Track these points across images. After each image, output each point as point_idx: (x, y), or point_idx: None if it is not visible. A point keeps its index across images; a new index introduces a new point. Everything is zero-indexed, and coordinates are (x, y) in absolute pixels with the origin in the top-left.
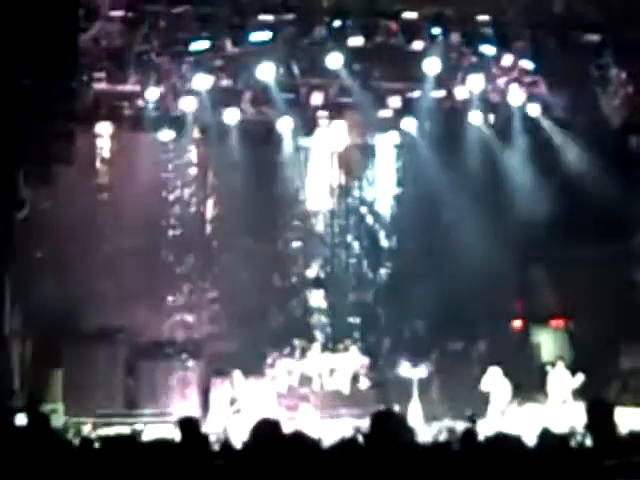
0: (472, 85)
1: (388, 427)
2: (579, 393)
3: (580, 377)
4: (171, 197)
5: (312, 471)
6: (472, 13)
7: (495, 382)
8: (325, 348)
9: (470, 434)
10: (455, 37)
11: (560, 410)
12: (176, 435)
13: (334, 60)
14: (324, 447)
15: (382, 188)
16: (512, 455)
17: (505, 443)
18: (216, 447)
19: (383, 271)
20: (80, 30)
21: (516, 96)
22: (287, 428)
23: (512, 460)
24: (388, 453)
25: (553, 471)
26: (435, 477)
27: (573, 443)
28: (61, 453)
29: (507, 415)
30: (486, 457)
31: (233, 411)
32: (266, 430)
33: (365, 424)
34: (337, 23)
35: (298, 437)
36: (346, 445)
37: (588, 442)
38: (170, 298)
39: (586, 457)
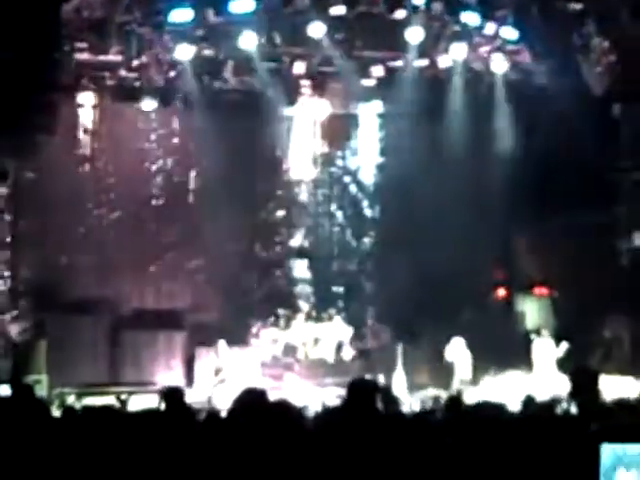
0: (455, 54)
1: (364, 396)
2: (563, 361)
3: (564, 346)
4: (154, 167)
5: (297, 440)
6: None
7: (458, 352)
8: (309, 317)
9: (454, 402)
10: (437, 6)
11: (545, 378)
12: (160, 405)
13: (316, 29)
14: (309, 415)
15: (365, 157)
16: (496, 422)
17: (489, 410)
18: (201, 417)
19: (367, 240)
20: (62, 0)
21: (499, 64)
22: (272, 397)
23: (496, 427)
24: (366, 422)
25: (538, 437)
26: (418, 446)
27: (558, 410)
28: (45, 423)
29: (472, 385)
30: (470, 425)
31: (218, 381)
32: (252, 399)
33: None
34: None
35: (283, 406)
36: (330, 414)
37: (573, 409)
38: (153, 268)
39: (571, 423)
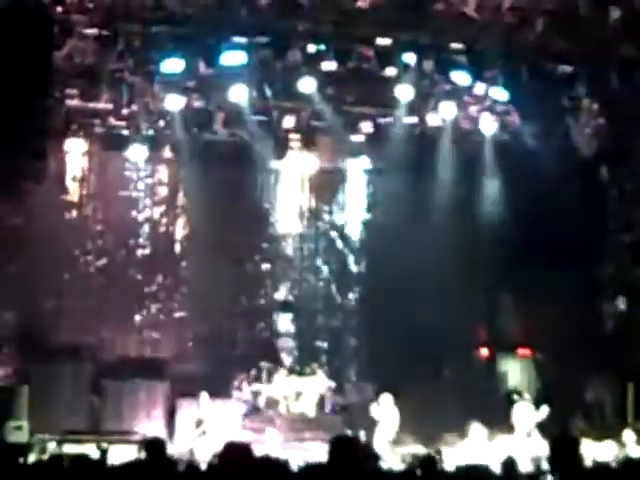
0: (444, 112)
1: (346, 453)
2: (544, 425)
3: (545, 410)
4: (141, 217)
5: None
6: (446, 41)
7: (385, 409)
8: (292, 371)
9: (429, 461)
10: (428, 64)
11: (525, 441)
12: (142, 456)
13: (307, 84)
14: (292, 470)
15: (352, 213)
16: None
17: (472, 473)
18: (182, 468)
19: (351, 296)
20: (54, 47)
21: (488, 124)
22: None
23: None
24: (347, 478)
25: None
26: None
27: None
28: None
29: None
30: None
31: (199, 433)
32: (236, 453)
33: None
34: (311, 47)
35: (268, 461)
36: (312, 470)
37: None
38: (137, 317)
39: None
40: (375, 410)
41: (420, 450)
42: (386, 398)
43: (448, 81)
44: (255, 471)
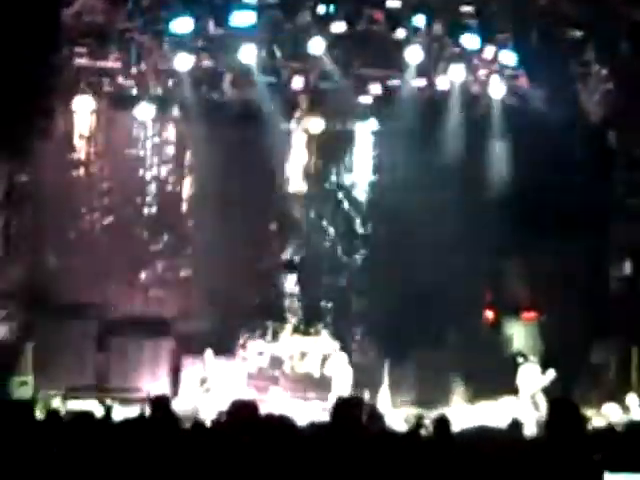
0: (453, 75)
1: (349, 413)
2: (549, 388)
3: (551, 373)
4: (148, 175)
5: (285, 454)
6: (456, 3)
7: (339, 367)
8: (296, 331)
9: (442, 422)
10: (438, 27)
11: (529, 403)
12: (146, 412)
13: (316, 45)
14: (296, 430)
15: (359, 175)
16: (491, 448)
17: (480, 434)
18: (187, 425)
19: (357, 257)
20: (63, 5)
21: (497, 88)
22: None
23: (490, 452)
24: (351, 439)
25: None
26: (405, 465)
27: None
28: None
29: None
30: (461, 447)
31: (203, 390)
32: (244, 411)
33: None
34: (321, 8)
35: (275, 419)
36: (316, 429)
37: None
38: (143, 275)
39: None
40: (329, 367)
41: (424, 412)
42: (340, 356)
43: (457, 44)
44: (262, 428)
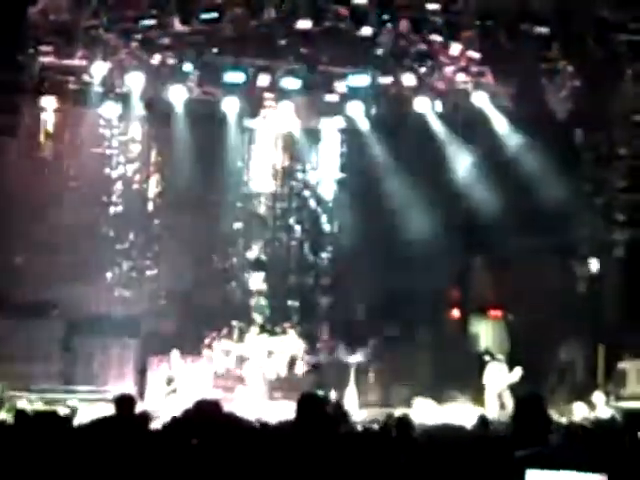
0: (419, 72)
1: (313, 411)
2: (516, 386)
3: (518, 371)
4: (114, 174)
5: (249, 451)
6: (421, 1)
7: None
8: (263, 330)
9: (403, 422)
10: (404, 24)
11: (495, 402)
12: (111, 412)
13: (282, 43)
14: (261, 429)
15: (325, 172)
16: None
17: (445, 432)
18: (152, 425)
19: (324, 255)
20: (28, 2)
21: (462, 85)
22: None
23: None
24: (314, 436)
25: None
26: (361, 462)
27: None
28: None
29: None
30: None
31: (169, 391)
32: (206, 410)
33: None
34: (286, 6)
35: (236, 419)
36: (280, 428)
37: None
38: (109, 274)
39: (500, 447)
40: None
41: (390, 411)
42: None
43: (423, 41)
44: (224, 428)
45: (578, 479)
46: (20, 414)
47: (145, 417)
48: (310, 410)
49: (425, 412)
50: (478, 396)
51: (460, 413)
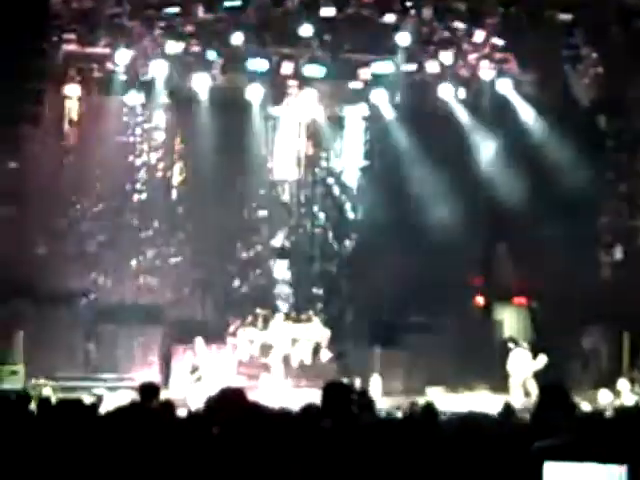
0: (443, 59)
1: (339, 399)
2: (540, 374)
3: (542, 359)
4: (138, 162)
5: (274, 439)
6: None
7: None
8: (287, 318)
9: (429, 409)
10: (427, 11)
11: (519, 388)
12: (137, 400)
13: (306, 30)
14: (287, 416)
15: (350, 160)
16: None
17: (471, 419)
18: (177, 413)
19: (348, 243)
20: None
21: (486, 72)
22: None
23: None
24: (340, 423)
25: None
26: (393, 452)
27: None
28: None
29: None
30: (445, 433)
31: (194, 379)
32: (230, 398)
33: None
34: None
35: (261, 407)
36: (308, 414)
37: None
38: (133, 262)
39: (525, 434)
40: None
41: (414, 399)
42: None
43: (447, 28)
44: (248, 416)
45: (596, 471)
46: (43, 402)
47: (169, 405)
48: (336, 398)
49: (447, 400)
50: (502, 383)
51: (484, 400)
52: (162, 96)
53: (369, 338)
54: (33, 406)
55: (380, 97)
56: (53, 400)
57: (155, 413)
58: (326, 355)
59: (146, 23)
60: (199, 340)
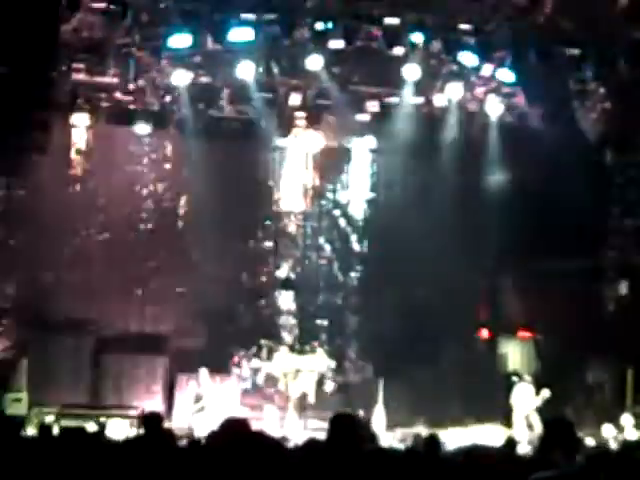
0: (451, 93)
1: (346, 431)
2: (543, 408)
3: (546, 393)
4: (145, 191)
5: (279, 472)
6: (454, 21)
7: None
8: (292, 349)
9: (432, 441)
10: (436, 44)
11: (522, 423)
12: (139, 430)
13: (314, 62)
14: (289, 448)
15: (356, 192)
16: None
17: (474, 453)
18: (180, 443)
19: (353, 275)
20: (61, 20)
21: (494, 106)
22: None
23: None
24: (346, 456)
25: None
26: None
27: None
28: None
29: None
30: (448, 465)
31: (197, 409)
32: (234, 428)
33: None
34: (319, 25)
35: (265, 437)
36: (311, 447)
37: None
38: (139, 292)
39: (528, 468)
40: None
41: (419, 431)
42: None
43: (455, 62)
44: (252, 447)
45: None
46: (44, 429)
47: (171, 435)
48: (343, 430)
49: (451, 433)
50: (506, 417)
51: (488, 433)
52: (170, 126)
53: (373, 370)
54: (33, 431)
55: (387, 130)
56: (55, 427)
57: (158, 442)
58: (330, 386)
59: (155, 53)
60: (203, 370)
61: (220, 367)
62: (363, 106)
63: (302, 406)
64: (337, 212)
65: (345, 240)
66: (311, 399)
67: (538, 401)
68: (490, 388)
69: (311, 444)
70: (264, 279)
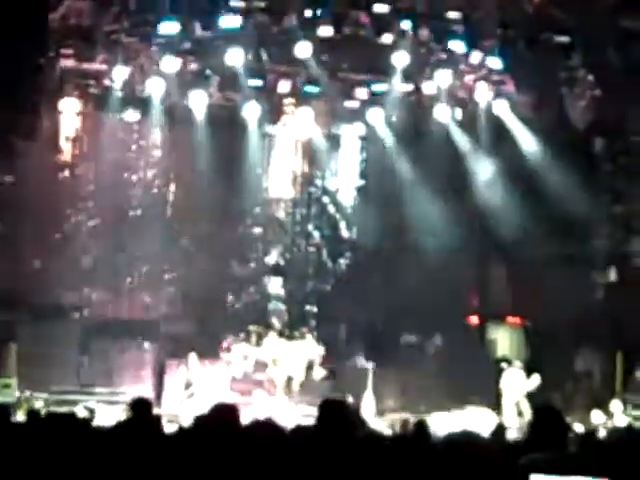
0: (440, 80)
1: (335, 417)
2: (533, 394)
3: (536, 379)
4: (133, 178)
5: (268, 458)
6: (443, 9)
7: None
8: (281, 335)
9: (421, 426)
10: (425, 32)
11: (511, 408)
12: (128, 416)
13: (303, 49)
14: (282, 432)
15: (345, 179)
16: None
17: (463, 439)
18: (169, 429)
19: (342, 261)
20: (50, 6)
21: (483, 93)
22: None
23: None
24: (336, 442)
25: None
26: (388, 469)
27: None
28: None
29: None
30: (437, 452)
31: (187, 394)
32: (224, 414)
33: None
34: (308, 12)
35: (258, 423)
36: (299, 433)
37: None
38: (128, 278)
39: (517, 454)
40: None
41: (407, 417)
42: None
43: (444, 49)
44: (243, 432)
45: None
46: (32, 414)
47: (158, 420)
48: (332, 416)
49: (440, 419)
50: (495, 403)
51: (477, 420)
52: (159, 113)
53: (362, 356)
54: (21, 417)
55: (376, 117)
56: (43, 413)
57: (146, 428)
58: (319, 372)
59: (143, 40)
60: (192, 356)
61: (210, 353)
62: (352, 93)
63: (291, 392)
64: (326, 199)
65: (334, 227)
66: (300, 385)
67: (528, 387)
68: (479, 374)
69: (299, 430)
70: (253, 265)
